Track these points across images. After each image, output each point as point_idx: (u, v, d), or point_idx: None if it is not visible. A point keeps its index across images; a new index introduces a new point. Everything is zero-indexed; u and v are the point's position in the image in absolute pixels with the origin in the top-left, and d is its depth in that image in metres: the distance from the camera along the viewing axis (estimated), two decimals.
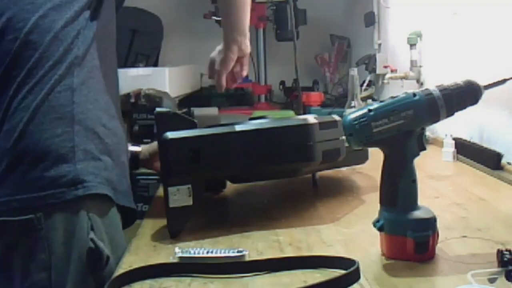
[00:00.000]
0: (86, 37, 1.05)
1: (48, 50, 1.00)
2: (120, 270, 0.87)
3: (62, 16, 1.03)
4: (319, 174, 1.31)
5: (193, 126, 1.04)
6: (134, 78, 2.05)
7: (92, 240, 0.98)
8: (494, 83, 0.88)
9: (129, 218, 1.11)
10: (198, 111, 1.24)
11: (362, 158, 1.30)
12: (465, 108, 0.86)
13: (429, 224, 0.85)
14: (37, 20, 1.01)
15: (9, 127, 0.98)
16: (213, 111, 1.33)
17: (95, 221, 1.00)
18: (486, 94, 0.87)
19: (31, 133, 0.98)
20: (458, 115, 0.87)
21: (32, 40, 1.00)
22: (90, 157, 1.01)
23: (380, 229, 0.87)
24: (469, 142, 1.54)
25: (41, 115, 0.98)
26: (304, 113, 2.07)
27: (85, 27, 1.06)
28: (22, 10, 1.01)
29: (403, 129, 0.84)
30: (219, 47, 1.31)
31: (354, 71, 1.98)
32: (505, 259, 0.78)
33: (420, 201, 0.87)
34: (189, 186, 1.01)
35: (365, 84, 2.26)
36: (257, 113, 2.38)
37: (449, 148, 1.54)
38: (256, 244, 0.96)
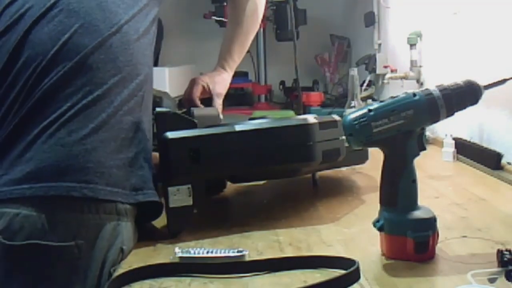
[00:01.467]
0: (151, 51, 1.06)
1: (124, 61, 0.99)
2: (120, 270, 0.87)
3: (138, 27, 1.03)
4: (319, 174, 1.31)
5: (193, 126, 1.04)
6: None
7: (109, 272, 0.94)
8: (494, 83, 0.88)
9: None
10: (198, 111, 1.24)
11: (362, 158, 1.30)
12: (465, 108, 0.86)
13: (429, 224, 0.85)
14: (118, 28, 0.99)
15: (88, 112, 0.94)
16: (213, 111, 1.33)
17: (124, 250, 0.96)
18: (486, 94, 0.87)
19: (111, 128, 0.95)
20: (458, 115, 0.87)
21: (110, 46, 0.98)
22: (147, 165, 1.01)
23: (380, 229, 0.87)
24: (469, 142, 1.54)
25: (120, 114, 0.97)
26: (304, 113, 2.07)
27: (153, 41, 1.07)
28: (107, 12, 1.00)
29: (403, 129, 0.84)
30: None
31: (354, 71, 1.98)
32: (505, 259, 0.78)
33: (420, 201, 0.87)
34: (189, 186, 1.01)
35: (365, 84, 2.26)
36: (257, 113, 2.38)
37: (449, 148, 1.54)
38: (256, 244, 0.96)
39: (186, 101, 1.38)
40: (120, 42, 0.99)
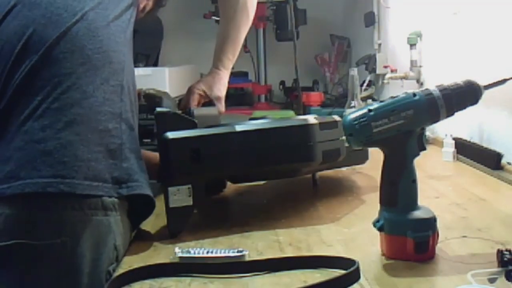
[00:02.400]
0: (127, 38, 1.04)
1: (93, 47, 0.97)
2: (120, 270, 0.87)
3: (107, 14, 1.01)
4: (319, 174, 1.31)
5: (193, 126, 1.04)
6: None
7: (109, 272, 0.93)
8: (494, 83, 0.88)
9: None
10: (198, 111, 1.24)
11: (362, 158, 1.30)
12: (465, 108, 0.86)
13: (429, 224, 0.85)
14: (83, 15, 0.98)
15: (60, 105, 0.93)
16: (213, 110, 1.33)
17: (118, 247, 0.95)
18: (486, 94, 0.87)
19: (87, 121, 0.94)
20: (458, 115, 0.87)
21: (76, 35, 0.96)
22: (134, 156, 0.99)
23: (380, 229, 0.87)
24: (469, 142, 1.54)
25: (96, 105, 0.95)
26: (304, 113, 2.07)
27: (127, 28, 1.05)
28: (70, 0, 0.99)
29: (403, 129, 0.84)
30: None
31: (354, 71, 1.98)
32: (505, 259, 0.78)
33: (420, 201, 0.87)
34: (189, 186, 1.01)
35: (365, 84, 2.26)
36: (257, 113, 2.38)
37: (449, 148, 1.54)
38: (256, 244, 0.96)
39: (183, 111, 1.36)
40: (87, 29, 0.98)
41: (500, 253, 0.80)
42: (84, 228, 0.91)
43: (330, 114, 1.32)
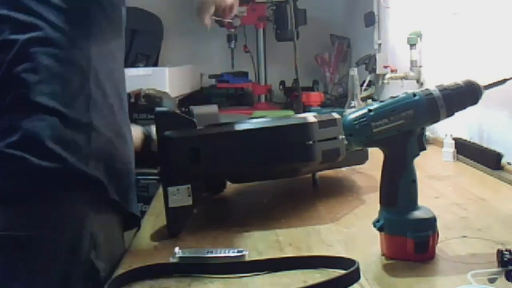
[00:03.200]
0: (98, 41, 0.99)
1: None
2: (120, 270, 0.87)
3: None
4: (319, 174, 1.31)
5: (193, 125, 1.04)
6: (134, 78, 2.04)
7: (91, 261, 0.93)
8: (494, 83, 0.88)
9: (131, 222, 1.06)
10: (197, 110, 1.24)
11: (362, 158, 1.30)
12: (465, 108, 0.86)
13: (429, 224, 0.85)
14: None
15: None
16: (212, 108, 1.33)
17: (97, 238, 0.94)
18: (486, 94, 0.87)
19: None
20: (458, 115, 0.87)
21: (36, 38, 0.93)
22: (103, 163, 0.96)
23: (380, 229, 0.87)
24: (469, 142, 1.54)
25: (61, 122, 0.92)
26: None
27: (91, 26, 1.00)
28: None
29: (403, 129, 0.84)
30: None
31: (354, 71, 1.98)
32: (505, 259, 0.78)
33: (420, 201, 0.87)
34: (189, 186, 1.01)
35: (365, 84, 2.26)
36: (257, 113, 2.39)
37: (449, 148, 1.54)
38: (256, 244, 0.96)
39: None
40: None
41: (500, 253, 0.80)
42: (61, 217, 0.91)
43: None
